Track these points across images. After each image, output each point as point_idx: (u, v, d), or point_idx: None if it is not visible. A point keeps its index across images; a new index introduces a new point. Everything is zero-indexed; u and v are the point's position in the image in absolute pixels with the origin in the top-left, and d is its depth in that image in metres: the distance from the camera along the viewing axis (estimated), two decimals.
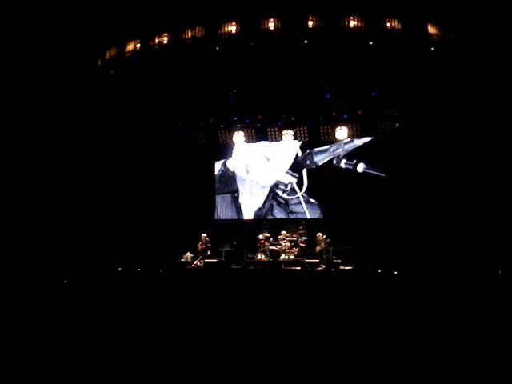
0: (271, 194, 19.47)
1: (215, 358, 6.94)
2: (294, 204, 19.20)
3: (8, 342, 7.49)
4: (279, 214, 19.29)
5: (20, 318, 9.12)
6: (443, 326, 8.47)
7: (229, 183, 19.84)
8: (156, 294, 12.26)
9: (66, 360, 6.78)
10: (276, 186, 19.37)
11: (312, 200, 19.00)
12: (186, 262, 16.97)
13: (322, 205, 18.75)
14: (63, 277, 13.78)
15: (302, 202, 19.06)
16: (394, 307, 10.18)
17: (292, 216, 19.05)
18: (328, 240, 16.62)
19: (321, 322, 9.02)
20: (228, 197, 19.78)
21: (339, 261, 16.11)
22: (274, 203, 19.38)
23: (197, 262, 17.09)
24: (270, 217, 19.29)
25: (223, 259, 17.20)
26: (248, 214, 19.56)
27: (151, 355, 7.07)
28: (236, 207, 19.65)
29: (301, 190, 18.99)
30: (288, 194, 19.15)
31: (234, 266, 16.39)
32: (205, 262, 16.80)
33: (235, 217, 19.60)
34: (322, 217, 18.77)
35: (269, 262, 16.55)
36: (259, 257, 17.00)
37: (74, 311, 9.91)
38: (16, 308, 9.91)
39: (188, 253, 17.25)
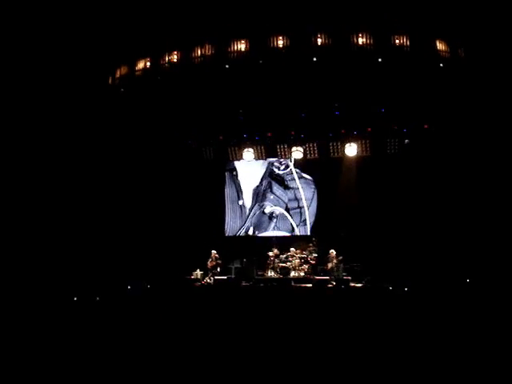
0: (267, 171, 19.84)
1: (226, 376, 6.91)
2: (290, 180, 19.64)
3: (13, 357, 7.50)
4: (278, 190, 19.68)
5: (27, 333, 9.13)
6: (453, 344, 8.39)
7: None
8: (165, 312, 12.23)
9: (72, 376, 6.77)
10: (272, 163, 19.77)
11: (305, 175, 19.49)
12: (196, 279, 16.96)
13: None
14: (73, 294, 13.79)
15: (296, 179, 19.54)
16: (404, 325, 10.10)
17: (290, 194, 19.47)
18: (340, 258, 16.55)
19: (330, 339, 8.95)
20: (236, 206, 19.95)
21: (349, 278, 16.03)
22: (272, 181, 19.76)
23: (207, 279, 17.07)
24: (269, 194, 19.68)
25: (233, 276, 17.18)
26: (247, 194, 19.88)
27: (160, 373, 7.04)
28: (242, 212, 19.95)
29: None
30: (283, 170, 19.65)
31: (244, 283, 16.35)
32: (215, 279, 16.77)
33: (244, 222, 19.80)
34: (315, 192, 19.38)
35: (279, 278, 16.51)
36: (269, 274, 16.96)
37: (82, 328, 9.90)
38: (24, 324, 9.92)
39: (198, 270, 17.24)
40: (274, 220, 19.62)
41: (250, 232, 19.53)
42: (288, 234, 19.21)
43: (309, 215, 19.24)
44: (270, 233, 19.46)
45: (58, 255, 16.50)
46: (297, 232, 19.30)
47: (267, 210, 19.45)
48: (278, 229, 19.54)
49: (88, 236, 17.63)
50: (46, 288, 14.24)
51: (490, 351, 7.77)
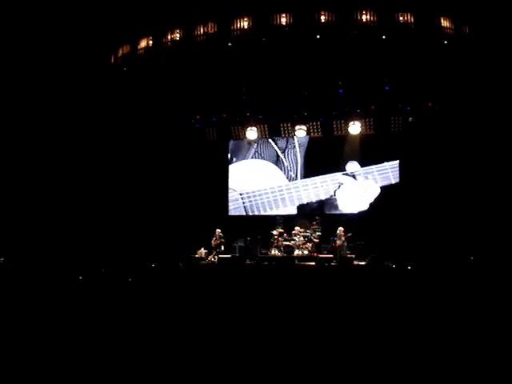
0: None
1: (229, 354, 6.97)
2: None
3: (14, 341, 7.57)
4: None
5: (31, 315, 9.21)
6: (455, 323, 8.43)
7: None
8: (170, 290, 12.31)
9: (74, 359, 6.84)
10: None
11: None
12: (200, 258, 17.05)
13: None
14: (78, 273, 13.89)
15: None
16: (406, 303, 10.15)
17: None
18: (349, 234, 16.51)
19: (333, 317, 9.01)
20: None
21: (353, 256, 16.09)
22: None
23: (211, 258, 17.16)
24: None
25: (237, 255, 17.25)
26: None
27: (164, 351, 7.11)
28: None
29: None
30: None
31: (247, 262, 16.43)
32: (219, 258, 16.86)
33: None
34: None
35: (283, 257, 16.58)
36: (273, 252, 17.04)
37: (87, 308, 9.99)
38: (28, 305, 10.00)
39: (202, 248, 17.32)
40: (255, 145, 19.54)
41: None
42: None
43: (300, 156, 19.23)
44: (250, 162, 19.52)
45: (65, 235, 16.64)
46: (283, 161, 19.28)
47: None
48: (260, 156, 19.53)
49: (94, 217, 17.73)
50: (53, 266, 14.37)
51: (493, 332, 7.82)
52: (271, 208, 19.17)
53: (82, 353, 7.00)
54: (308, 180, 18.98)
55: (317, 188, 18.78)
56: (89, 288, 12.65)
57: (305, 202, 18.97)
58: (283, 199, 19.12)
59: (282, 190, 19.15)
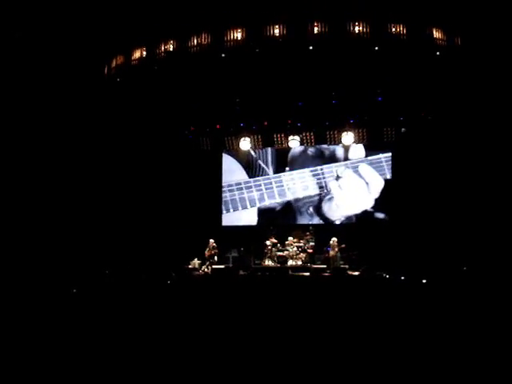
0: None
1: (222, 365, 6.94)
2: None
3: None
4: None
5: (24, 325, 9.16)
6: (449, 332, 8.44)
7: None
8: (162, 301, 12.26)
9: (63, 369, 6.79)
10: None
11: None
12: (194, 269, 17.00)
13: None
14: (70, 285, 13.81)
15: None
16: (401, 313, 10.15)
17: None
18: (343, 246, 16.51)
19: (327, 327, 9.00)
20: None
21: (346, 266, 16.09)
22: None
23: (204, 269, 17.12)
24: None
25: (231, 265, 17.21)
26: None
27: (156, 360, 7.08)
28: None
29: None
30: None
31: (241, 272, 16.40)
32: (212, 269, 16.82)
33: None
34: None
35: (276, 267, 16.56)
36: (267, 263, 17.01)
37: (80, 320, 9.93)
38: (20, 316, 9.94)
39: (195, 259, 17.28)
40: None
41: None
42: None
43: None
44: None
45: (55, 245, 16.54)
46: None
47: None
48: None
49: (84, 226, 17.65)
50: (43, 278, 14.28)
51: (485, 340, 7.82)
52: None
53: (73, 363, 6.96)
54: (295, 172, 18.99)
55: (304, 182, 18.72)
56: (81, 298, 12.59)
57: (290, 198, 18.95)
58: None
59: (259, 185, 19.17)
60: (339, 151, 18.72)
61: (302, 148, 18.97)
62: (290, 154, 19.11)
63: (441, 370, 6.59)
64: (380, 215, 18.02)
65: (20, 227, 16.40)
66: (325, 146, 18.73)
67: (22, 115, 16.91)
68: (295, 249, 17.09)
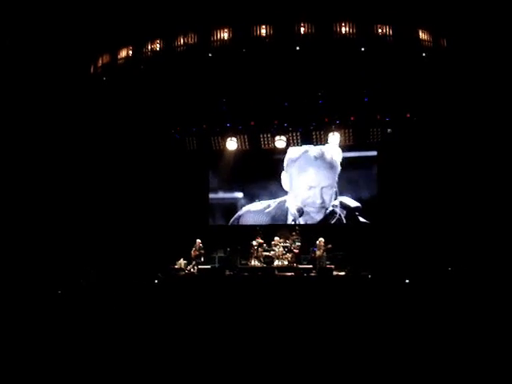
0: None
1: (208, 363, 6.94)
2: None
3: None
4: None
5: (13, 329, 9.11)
6: (433, 331, 8.49)
7: None
8: (148, 301, 12.24)
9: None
10: None
11: None
12: (180, 269, 16.95)
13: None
14: (56, 286, 13.73)
15: None
16: (385, 312, 10.20)
17: None
18: (329, 246, 16.50)
19: (313, 326, 9.03)
20: None
21: (332, 266, 16.13)
22: None
23: (190, 269, 17.08)
24: None
25: (217, 265, 17.19)
26: None
27: (142, 360, 7.06)
28: None
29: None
30: None
31: (227, 273, 16.39)
32: (198, 269, 16.79)
33: None
34: None
35: (262, 267, 16.56)
36: (253, 263, 16.99)
37: (67, 321, 9.89)
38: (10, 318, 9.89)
39: (181, 259, 17.23)
40: None
41: None
42: None
43: None
44: None
45: (41, 246, 16.43)
46: None
47: None
48: None
49: (70, 227, 17.55)
50: (30, 279, 14.20)
51: (471, 339, 7.88)
52: None
53: (59, 362, 6.93)
54: None
55: None
56: (68, 300, 12.53)
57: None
58: None
59: None
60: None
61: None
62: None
63: (424, 367, 6.63)
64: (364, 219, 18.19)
65: (4, 228, 16.26)
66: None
67: (6, 115, 16.77)
68: (281, 249, 17.08)
